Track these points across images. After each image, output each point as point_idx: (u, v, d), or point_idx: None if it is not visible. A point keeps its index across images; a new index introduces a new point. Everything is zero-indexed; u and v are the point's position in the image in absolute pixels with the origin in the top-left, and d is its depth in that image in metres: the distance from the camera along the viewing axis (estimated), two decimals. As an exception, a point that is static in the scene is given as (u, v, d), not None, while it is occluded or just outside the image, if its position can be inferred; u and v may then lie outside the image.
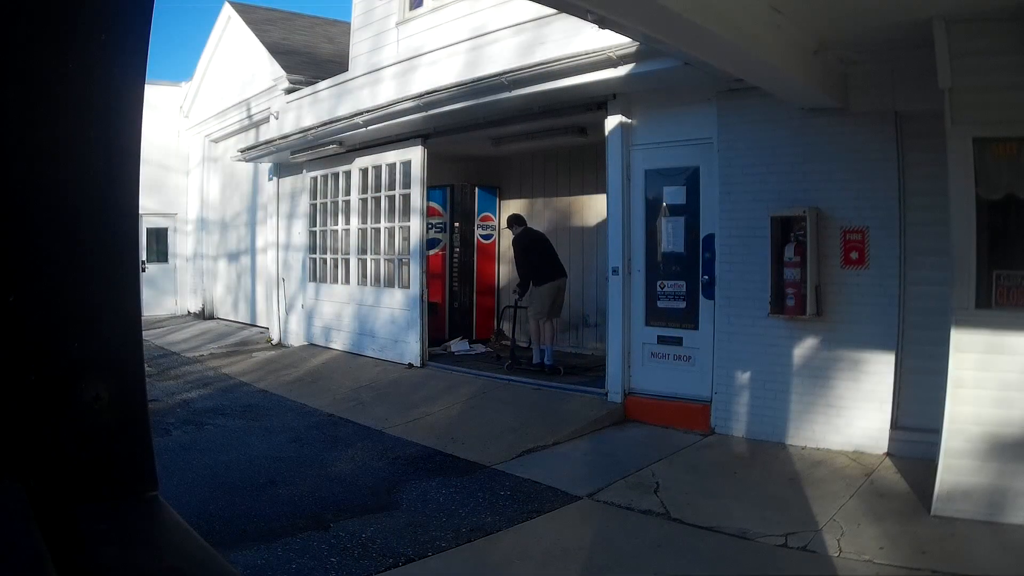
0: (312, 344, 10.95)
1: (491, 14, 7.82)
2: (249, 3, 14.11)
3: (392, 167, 9.45)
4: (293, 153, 10.57)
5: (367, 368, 9.14)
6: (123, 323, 0.75)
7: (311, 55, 12.58)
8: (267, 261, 12.51)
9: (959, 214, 4.29)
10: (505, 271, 10.76)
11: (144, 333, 0.87)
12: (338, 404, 7.69)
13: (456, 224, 10.36)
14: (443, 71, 7.97)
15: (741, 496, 4.75)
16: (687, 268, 6.53)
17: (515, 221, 8.70)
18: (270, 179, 12.28)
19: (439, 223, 10.19)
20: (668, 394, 6.55)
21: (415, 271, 9.04)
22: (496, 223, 10.74)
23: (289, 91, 11.19)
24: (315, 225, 11.06)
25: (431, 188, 9.40)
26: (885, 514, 4.32)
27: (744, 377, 6.02)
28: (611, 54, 5.99)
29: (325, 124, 9.52)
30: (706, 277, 6.34)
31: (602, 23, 4.19)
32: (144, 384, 0.77)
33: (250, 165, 13.07)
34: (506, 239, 10.73)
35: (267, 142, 11.03)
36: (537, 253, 8.34)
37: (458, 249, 10.39)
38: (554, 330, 8.25)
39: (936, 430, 4.39)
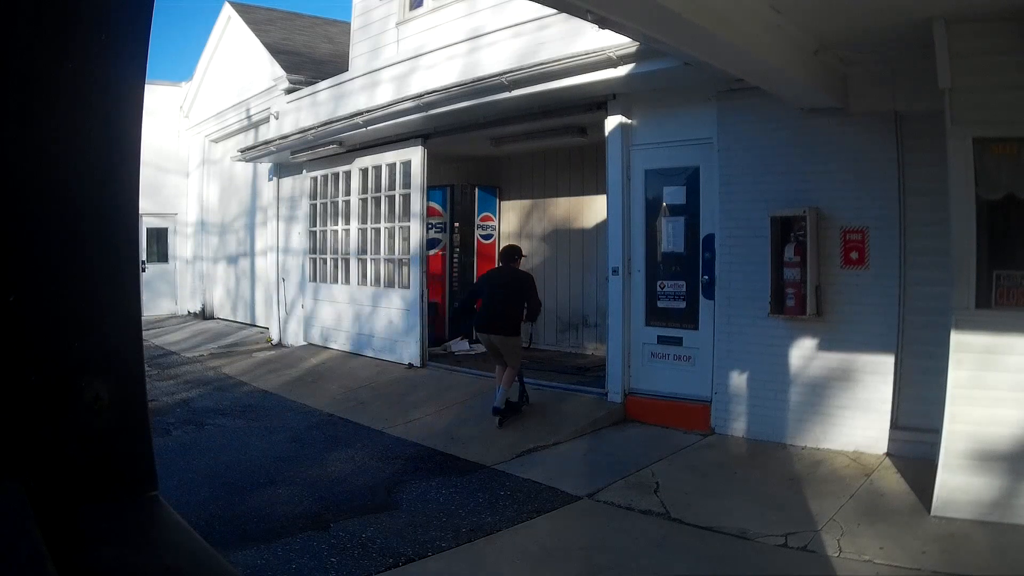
0: (312, 344, 10.94)
1: (491, 14, 7.82)
2: (249, 3, 14.11)
3: (392, 167, 9.45)
4: (293, 153, 10.57)
5: (367, 368, 9.14)
6: (123, 323, 0.75)
7: (311, 55, 12.58)
8: (267, 261, 12.50)
9: (959, 214, 4.29)
10: (505, 271, 10.75)
11: (144, 333, 0.87)
12: (338, 404, 7.69)
13: (456, 224, 10.35)
14: (443, 71, 7.97)
15: (741, 496, 4.75)
16: (687, 268, 6.53)
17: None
18: (270, 179, 12.28)
19: (439, 223, 10.19)
20: (668, 394, 6.55)
21: (415, 272, 9.04)
22: (496, 223, 10.73)
23: (289, 91, 11.19)
24: (315, 225, 11.06)
25: (431, 188, 9.39)
26: (885, 514, 4.32)
27: (744, 377, 6.02)
28: (611, 54, 5.99)
29: (325, 124, 9.51)
30: (706, 277, 6.34)
31: (602, 23, 4.19)
32: (144, 384, 0.77)
33: (250, 165, 13.07)
34: (506, 239, 10.74)
35: (267, 142, 11.03)
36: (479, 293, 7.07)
37: (458, 249, 10.39)
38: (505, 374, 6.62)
39: (936, 430, 4.39)
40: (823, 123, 5.59)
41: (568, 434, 6.21)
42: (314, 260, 11.10)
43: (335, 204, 10.61)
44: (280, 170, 12.00)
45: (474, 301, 7.07)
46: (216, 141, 15.12)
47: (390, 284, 9.57)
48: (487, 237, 10.66)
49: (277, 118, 11.31)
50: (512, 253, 7.05)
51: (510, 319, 6.69)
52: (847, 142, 5.52)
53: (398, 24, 9.34)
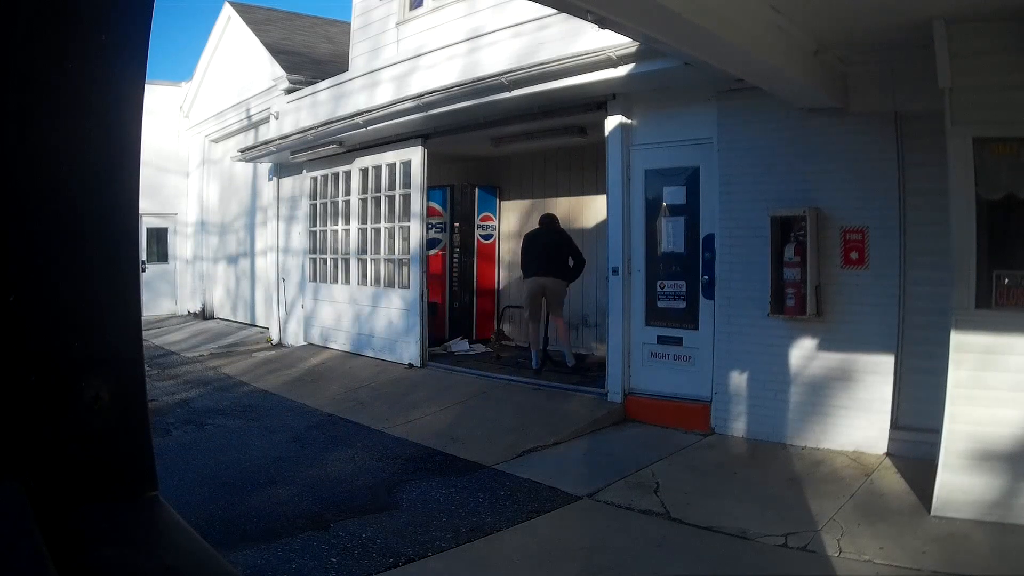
0: (312, 344, 10.94)
1: (491, 14, 7.82)
2: (249, 3, 14.11)
3: (392, 167, 9.45)
4: (293, 153, 10.57)
5: (367, 368, 9.14)
6: (123, 323, 0.75)
7: (311, 55, 12.58)
8: (267, 261, 12.50)
9: (959, 214, 4.29)
10: (505, 272, 10.76)
11: (144, 333, 0.87)
12: (338, 404, 7.69)
13: (456, 224, 10.35)
14: (443, 71, 7.97)
15: (741, 496, 4.75)
16: (687, 268, 6.53)
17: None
18: (270, 179, 12.28)
19: (439, 223, 10.19)
20: (668, 394, 6.55)
21: (415, 272, 9.04)
22: (496, 223, 10.73)
23: (289, 91, 11.18)
24: (315, 225, 11.06)
25: (431, 188, 9.39)
26: (885, 514, 4.32)
27: (744, 377, 6.02)
28: (611, 54, 5.99)
29: (325, 124, 9.51)
30: (706, 277, 6.34)
31: (602, 23, 4.19)
32: (144, 384, 0.77)
33: (250, 166, 13.07)
34: (505, 240, 10.75)
35: (267, 142, 11.03)
36: (525, 251, 8.60)
37: (458, 249, 10.38)
38: (546, 331, 8.33)
39: (936, 430, 4.39)
40: (823, 123, 5.58)
41: (568, 434, 6.21)
42: (314, 260, 11.09)
43: (335, 204, 10.61)
44: (280, 170, 12.00)
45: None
46: (216, 141, 15.12)
47: (390, 284, 9.56)
48: (487, 237, 10.66)
49: (277, 118, 11.30)
50: (552, 219, 8.57)
51: (560, 265, 8.19)
52: (847, 142, 5.52)
53: (398, 24, 9.34)
